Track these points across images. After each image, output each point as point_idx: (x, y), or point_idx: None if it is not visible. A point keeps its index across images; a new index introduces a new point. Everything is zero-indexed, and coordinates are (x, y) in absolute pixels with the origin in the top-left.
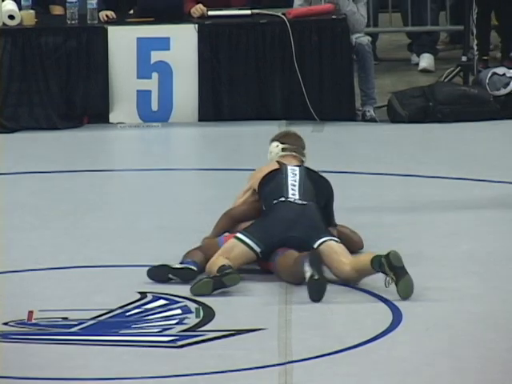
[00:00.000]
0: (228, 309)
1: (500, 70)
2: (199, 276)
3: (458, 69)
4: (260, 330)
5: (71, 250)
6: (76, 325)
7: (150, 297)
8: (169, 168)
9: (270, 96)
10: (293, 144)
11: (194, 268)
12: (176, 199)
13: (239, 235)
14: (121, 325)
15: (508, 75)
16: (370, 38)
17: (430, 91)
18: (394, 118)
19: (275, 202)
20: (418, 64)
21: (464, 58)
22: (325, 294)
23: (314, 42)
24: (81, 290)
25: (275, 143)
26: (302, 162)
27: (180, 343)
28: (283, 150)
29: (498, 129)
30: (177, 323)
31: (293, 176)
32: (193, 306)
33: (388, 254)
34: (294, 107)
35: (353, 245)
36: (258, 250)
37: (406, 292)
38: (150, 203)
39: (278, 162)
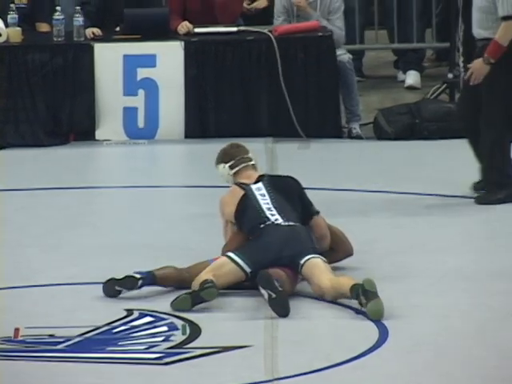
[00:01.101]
0: (214, 326)
1: None
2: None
3: (444, 86)
4: (246, 346)
5: (58, 266)
6: (62, 342)
7: (136, 314)
8: (155, 185)
9: (256, 113)
10: (235, 157)
11: (137, 276)
12: (162, 216)
13: (230, 254)
14: (107, 342)
15: None
16: (350, 56)
17: (416, 108)
18: (381, 135)
19: (262, 226)
20: (404, 81)
21: (450, 75)
22: (289, 305)
23: (300, 59)
24: (67, 307)
25: (221, 165)
26: (254, 167)
27: (166, 360)
28: (231, 167)
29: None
30: (163, 340)
31: (262, 197)
32: (179, 323)
33: (363, 282)
34: (280, 124)
35: (343, 249)
36: (248, 270)
37: (376, 314)
38: (136, 220)
39: (237, 185)
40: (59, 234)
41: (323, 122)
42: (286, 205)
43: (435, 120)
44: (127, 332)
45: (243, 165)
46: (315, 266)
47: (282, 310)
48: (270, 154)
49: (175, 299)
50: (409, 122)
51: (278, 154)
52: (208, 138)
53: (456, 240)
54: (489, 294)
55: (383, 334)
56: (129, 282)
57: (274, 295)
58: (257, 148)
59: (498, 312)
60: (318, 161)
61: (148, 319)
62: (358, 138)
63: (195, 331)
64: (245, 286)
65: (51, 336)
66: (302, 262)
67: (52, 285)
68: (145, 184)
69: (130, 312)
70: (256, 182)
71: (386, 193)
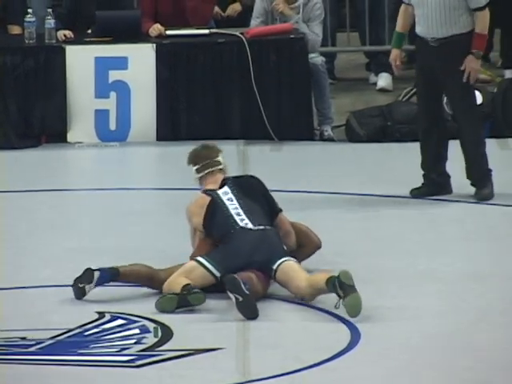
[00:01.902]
0: (186, 328)
1: None
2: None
3: (415, 88)
4: (218, 349)
5: (29, 269)
6: (34, 344)
7: (108, 316)
8: (127, 188)
9: (228, 115)
10: (204, 160)
11: (93, 268)
12: (134, 219)
13: (200, 259)
14: (79, 344)
15: None
16: (323, 59)
17: (388, 111)
18: (353, 137)
19: (232, 231)
20: (376, 83)
21: None
22: (257, 308)
23: (272, 62)
24: (39, 310)
25: (190, 167)
26: (221, 171)
27: (138, 363)
28: (197, 171)
29: (455, 148)
30: (135, 343)
31: (230, 202)
32: (151, 325)
33: (339, 274)
34: (252, 127)
35: (310, 242)
36: (217, 274)
37: (354, 309)
38: (109, 223)
39: (203, 192)
40: (31, 236)
41: (295, 124)
42: (253, 206)
43: (407, 122)
44: (99, 335)
45: (210, 169)
46: (289, 268)
47: (249, 312)
48: (241, 157)
49: (159, 298)
50: (381, 125)
51: (250, 157)
52: (180, 141)
53: (429, 241)
54: (462, 296)
55: (355, 336)
56: (86, 275)
57: (240, 298)
58: (228, 150)
59: (471, 314)
60: (290, 163)
61: (120, 322)
62: (330, 140)
63: (167, 334)
64: (214, 290)
65: (23, 339)
66: (274, 267)
67: (24, 287)
68: (116, 186)
69: (101, 315)
70: (222, 186)
71: (358, 195)
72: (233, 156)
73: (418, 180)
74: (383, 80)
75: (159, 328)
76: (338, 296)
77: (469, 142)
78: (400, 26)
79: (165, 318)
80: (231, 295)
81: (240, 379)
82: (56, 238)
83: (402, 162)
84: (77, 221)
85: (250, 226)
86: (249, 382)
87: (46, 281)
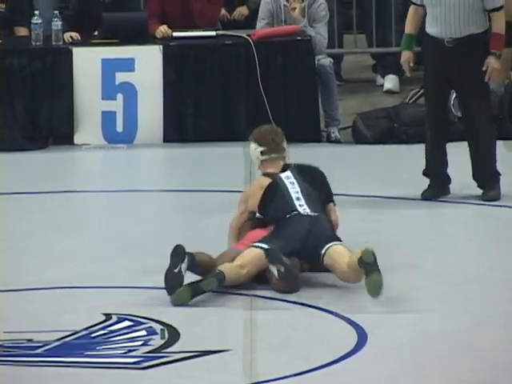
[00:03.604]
0: (193, 330)
1: None
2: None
3: (422, 90)
4: (225, 350)
5: (36, 270)
6: (41, 346)
7: (114, 318)
8: (133, 189)
9: (235, 117)
10: (270, 144)
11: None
12: (140, 220)
13: (258, 244)
14: (86, 346)
15: None
16: (331, 60)
17: (395, 112)
18: (359, 139)
19: (288, 216)
20: (382, 85)
21: None
22: (297, 275)
23: (279, 63)
24: (45, 312)
25: (253, 145)
26: (284, 158)
27: (145, 365)
28: (262, 153)
29: (462, 150)
30: (142, 344)
31: (292, 185)
32: (158, 327)
33: (361, 253)
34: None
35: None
36: None
37: (373, 289)
38: (115, 224)
39: (266, 175)
40: (37, 237)
41: (302, 126)
42: (312, 193)
43: (413, 124)
44: (106, 336)
45: (275, 155)
46: (335, 253)
47: (289, 282)
48: (248, 158)
49: (174, 293)
50: (387, 126)
51: None
52: (187, 142)
53: (433, 242)
54: (465, 297)
55: (362, 338)
56: (176, 253)
57: (282, 268)
58: (235, 152)
59: (474, 315)
60: None
61: (127, 323)
62: (337, 142)
63: (174, 335)
64: (223, 290)
65: (29, 340)
66: (322, 251)
67: (30, 289)
68: (123, 188)
69: (108, 316)
70: (283, 171)
71: (365, 196)
72: (239, 158)
73: (424, 181)
74: (390, 82)
75: (166, 329)
76: (363, 273)
77: (484, 142)
78: (411, 27)
79: (172, 320)
80: (272, 268)
81: (247, 380)
82: (62, 239)
83: (409, 163)
84: (83, 222)
85: (307, 210)
86: (256, 383)
87: (52, 282)
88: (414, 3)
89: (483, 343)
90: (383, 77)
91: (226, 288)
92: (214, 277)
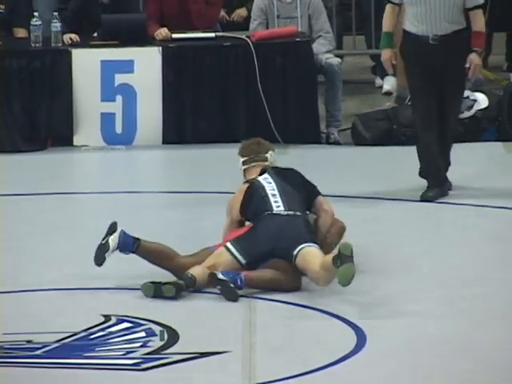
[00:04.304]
0: (192, 331)
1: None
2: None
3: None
4: (224, 352)
5: (35, 272)
6: (40, 348)
7: (114, 319)
8: (132, 191)
9: (234, 118)
10: (250, 154)
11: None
12: (139, 222)
13: (228, 245)
14: (85, 348)
15: (472, 98)
16: (340, 60)
17: (394, 114)
18: (358, 140)
19: (262, 215)
20: (381, 87)
21: None
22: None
23: (278, 65)
24: (45, 313)
25: (238, 157)
26: (265, 166)
27: (144, 366)
28: (243, 163)
29: (461, 152)
30: (141, 346)
31: (269, 184)
32: (157, 328)
33: (339, 246)
34: (257, 130)
35: (334, 226)
36: (243, 261)
37: (344, 278)
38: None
39: (247, 182)
40: (36, 239)
41: (301, 127)
42: (290, 191)
43: (412, 126)
44: (105, 338)
45: (255, 163)
46: (308, 253)
47: (228, 295)
48: None
49: (143, 283)
50: (386, 128)
51: None
52: (185, 144)
53: (432, 245)
54: (464, 298)
55: (361, 339)
56: (110, 227)
57: (218, 287)
58: (234, 153)
59: (473, 316)
60: (296, 166)
61: (126, 325)
62: (336, 143)
63: (173, 337)
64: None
65: (29, 342)
66: (295, 252)
67: (29, 290)
68: (122, 189)
69: (107, 318)
70: (261, 174)
71: (363, 198)
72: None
73: (423, 183)
74: (389, 83)
75: (165, 331)
76: (337, 267)
77: (450, 142)
78: (389, 25)
79: (171, 321)
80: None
81: (246, 382)
82: (62, 240)
83: (408, 164)
84: (82, 223)
85: (281, 209)
86: None
87: (52, 283)
88: (391, 2)
89: (483, 344)
90: (382, 78)
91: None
92: (174, 284)
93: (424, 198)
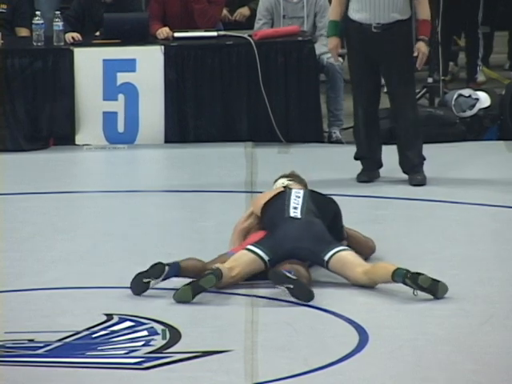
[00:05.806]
0: (194, 330)
1: (466, 92)
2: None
3: (424, 90)
4: (226, 351)
5: (37, 271)
6: (42, 347)
7: (116, 318)
8: (135, 190)
9: (236, 117)
10: (296, 181)
11: (164, 262)
12: (142, 221)
13: (249, 246)
14: (87, 347)
15: (474, 97)
16: (341, 60)
17: None
18: None
19: (280, 220)
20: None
21: (430, 80)
22: (309, 288)
23: (280, 64)
24: (47, 312)
25: (281, 180)
26: (306, 186)
27: (146, 365)
28: (287, 179)
29: (463, 150)
30: (143, 345)
31: (295, 198)
32: (159, 327)
33: (414, 275)
34: (260, 129)
35: (364, 249)
36: (266, 258)
37: (443, 293)
38: (116, 225)
39: (284, 187)
40: (38, 238)
41: (303, 126)
42: (314, 213)
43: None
44: (107, 337)
45: (297, 183)
46: (344, 260)
47: (304, 295)
48: (249, 159)
49: (176, 291)
50: (388, 126)
51: (258, 159)
52: (188, 143)
53: (433, 244)
54: (467, 299)
55: (363, 339)
56: (155, 269)
57: (291, 286)
58: (236, 152)
59: (476, 316)
60: (298, 165)
61: (128, 324)
62: (338, 142)
63: (175, 336)
64: (224, 291)
65: (31, 341)
66: (326, 258)
67: (31, 289)
68: (124, 189)
69: (109, 317)
70: (300, 189)
71: (365, 197)
72: (241, 158)
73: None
74: None
75: (167, 330)
76: (411, 288)
77: (408, 127)
78: (336, 14)
79: (173, 320)
80: (281, 288)
81: (248, 381)
82: (63, 240)
83: None
84: (84, 223)
85: (297, 215)
86: None
87: (54, 282)
88: None
89: (485, 344)
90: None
91: (223, 289)
92: (211, 274)
93: (359, 180)
